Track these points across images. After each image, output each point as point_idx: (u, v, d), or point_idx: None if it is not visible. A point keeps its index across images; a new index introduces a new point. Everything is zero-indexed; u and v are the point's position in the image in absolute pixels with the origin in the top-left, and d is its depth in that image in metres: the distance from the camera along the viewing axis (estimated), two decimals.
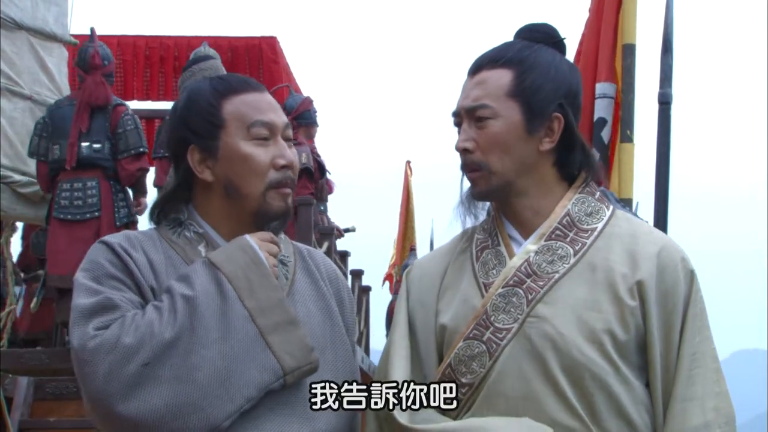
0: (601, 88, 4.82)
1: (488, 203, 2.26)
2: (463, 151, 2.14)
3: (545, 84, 2.14)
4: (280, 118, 2.18)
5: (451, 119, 2.20)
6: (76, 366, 2.00)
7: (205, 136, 2.15)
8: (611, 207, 2.21)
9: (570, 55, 2.27)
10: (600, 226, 2.15)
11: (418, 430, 2.02)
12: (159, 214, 2.22)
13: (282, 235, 2.28)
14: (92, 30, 6.71)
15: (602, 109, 4.80)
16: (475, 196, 2.18)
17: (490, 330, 2.07)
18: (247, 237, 2.13)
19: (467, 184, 2.22)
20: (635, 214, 4.56)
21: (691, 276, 2.13)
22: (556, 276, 2.08)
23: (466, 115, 2.14)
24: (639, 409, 2.05)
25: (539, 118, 2.13)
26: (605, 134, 4.79)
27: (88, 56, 6.40)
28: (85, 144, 6.25)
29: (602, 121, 4.80)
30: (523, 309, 2.06)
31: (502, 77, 2.14)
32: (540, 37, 2.21)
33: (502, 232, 2.18)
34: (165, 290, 2.06)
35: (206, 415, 1.95)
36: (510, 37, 2.28)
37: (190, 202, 2.22)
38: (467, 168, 2.15)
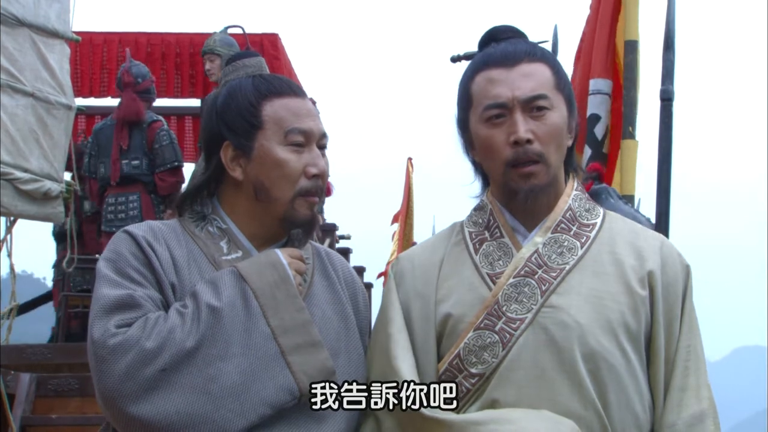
0: (594, 84, 4.83)
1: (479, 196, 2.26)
2: (526, 142, 2.09)
3: (569, 82, 2.18)
4: (318, 126, 2.18)
5: (487, 112, 2.13)
6: (92, 360, 2.00)
7: (242, 134, 2.15)
8: (602, 207, 2.25)
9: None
10: (598, 221, 2.18)
11: (439, 419, 2.01)
12: (183, 205, 2.22)
13: None
14: (128, 51, 7.43)
15: (595, 105, 4.81)
16: (536, 190, 2.12)
17: (503, 320, 2.07)
18: (279, 253, 2.13)
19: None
20: (637, 211, 4.58)
21: (687, 270, 2.17)
22: (567, 267, 2.09)
23: (521, 106, 2.10)
24: (643, 402, 2.08)
25: (573, 113, 2.18)
26: (598, 130, 4.80)
27: (120, 75, 7.01)
28: (125, 161, 6.79)
29: (595, 118, 4.80)
30: (537, 299, 2.07)
31: (545, 71, 2.13)
32: (518, 36, 2.22)
33: (504, 224, 2.18)
34: (191, 294, 2.05)
35: (217, 427, 1.96)
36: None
37: (215, 196, 2.22)
38: (527, 159, 2.10)
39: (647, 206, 4.49)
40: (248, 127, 2.14)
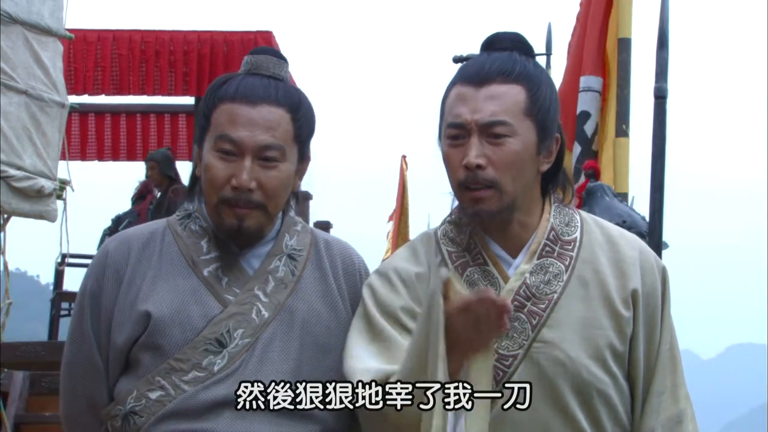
0: (585, 81, 4.83)
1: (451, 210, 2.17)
2: (477, 167, 2.01)
3: (552, 103, 2.08)
4: (255, 138, 2.07)
5: (448, 130, 2.07)
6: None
7: (199, 134, 2.16)
8: (577, 211, 2.18)
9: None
10: (578, 235, 2.12)
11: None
12: (178, 203, 2.26)
13: (300, 225, 2.25)
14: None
15: (586, 102, 4.82)
16: (482, 215, 2.04)
17: (494, 358, 1.95)
18: None
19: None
20: (632, 209, 4.57)
21: (663, 273, 2.14)
22: (555, 296, 2.03)
23: (479, 130, 2.02)
24: (627, 410, 2.07)
25: (548, 138, 2.08)
26: (588, 127, 4.81)
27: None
28: None
29: (585, 115, 4.80)
30: (528, 334, 2.01)
31: (517, 94, 2.04)
32: (518, 46, 2.11)
33: (487, 250, 2.10)
34: None
35: None
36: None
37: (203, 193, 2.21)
38: (476, 185, 2.03)
39: (641, 203, 4.50)
40: (201, 129, 2.16)
